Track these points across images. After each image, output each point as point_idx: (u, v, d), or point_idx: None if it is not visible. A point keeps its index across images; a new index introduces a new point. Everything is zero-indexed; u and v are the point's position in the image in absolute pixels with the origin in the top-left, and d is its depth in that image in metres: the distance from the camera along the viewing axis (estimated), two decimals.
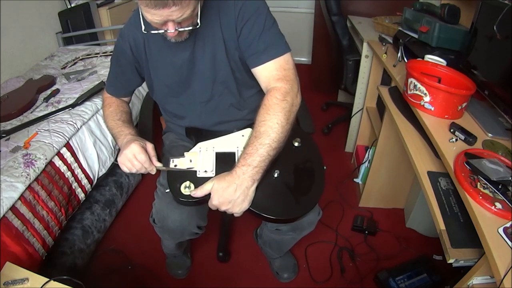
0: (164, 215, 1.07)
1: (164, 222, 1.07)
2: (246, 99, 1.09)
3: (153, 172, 0.96)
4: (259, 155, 0.85)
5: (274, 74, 0.93)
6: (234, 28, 0.94)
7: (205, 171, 0.92)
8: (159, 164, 0.97)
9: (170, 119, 1.20)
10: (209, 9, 0.93)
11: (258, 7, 0.93)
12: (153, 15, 0.79)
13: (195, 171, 0.93)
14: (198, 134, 1.06)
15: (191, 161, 0.95)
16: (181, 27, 0.84)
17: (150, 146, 0.98)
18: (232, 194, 0.84)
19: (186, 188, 0.89)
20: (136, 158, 0.93)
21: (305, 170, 1.00)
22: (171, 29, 0.82)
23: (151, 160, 0.96)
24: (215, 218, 1.70)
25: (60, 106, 1.58)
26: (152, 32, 0.85)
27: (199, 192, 0.87)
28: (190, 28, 0.86)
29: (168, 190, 0.92)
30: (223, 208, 0.87)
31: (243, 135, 1.01)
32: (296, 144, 1.02)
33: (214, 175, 0.91)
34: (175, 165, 0.95)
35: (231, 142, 1.00)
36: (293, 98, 0.91)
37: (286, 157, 0.97)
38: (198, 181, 0.89)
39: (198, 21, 0.86)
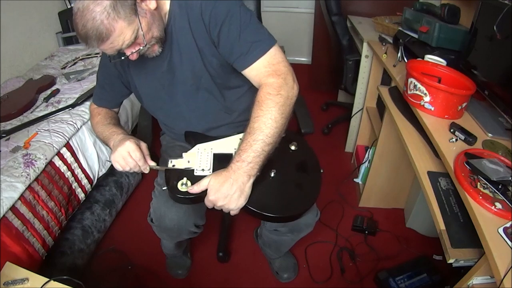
0: (161, 214, 1.07)
1: (162, 221, 1.07)
2: (233, 102, 1.07)
3: (147, 171, 0.95)
4: (253, 151, 0.84)
5: (263, 71, 0.90)
6: (207, 35, 0.91)
7: (202, 170, 0.93)
8: (153, 163, 0.96)
9: (163, 127, 1.21)
10: (178, 16, 0.91)
11: (229, 9, 0.88)
12: (103, 50, 0.81)
13: (193, 170, 0.93)
14: (197, 138, 1.07)
15: (189, 161, 0.95)
16: (140, 47, 0.84)
17: (144, 145, 0.97)
18: (229, 189, 0.84)
19: (183, 185, 0.89)
20: (131, 155, 0.92)
21: (302, 171, 1.01)
22: (127, 54, 0.84)
23: (145, 159, 0.95)
24: (215, 218, 1.70)
25: (60, 106, 1.58)
26: (116, 60, 0.87)
27: (196, 188, 0.87)
28: (143, 47, 0.85)
29: (165, 188, 0.91)
30: (219, 203, 0.86)
31: (240, 139, 1.01)
32: (293, 147, 1.03)
33: (211, 173, 0.91)
34: (173, 165, 0.95)
35: (229, 144, 1.01)
36: (288, 91, 0.88)
37: (283, 159, 0.97)
38: (195, 179, 0.89)
39: (156, 34, 0.86)
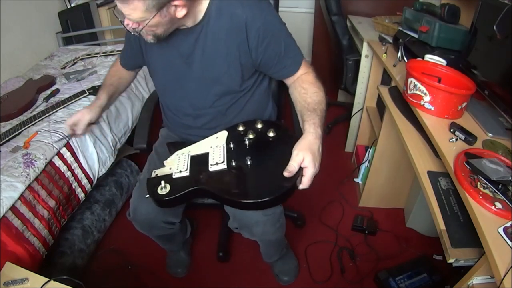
0: (134, 207, 1.12)
1: (134, 214, 1.12)
2: (229, 107, 1.11)
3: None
4: (321, 119, 0.92)
5: (301, 73, 1.04)
6: (245, 44, 0.96)
7: (180, 171, 0.95)
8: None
9: (165, 111, 1.23)
10: (214, 18, 0.94)
11: (277, 27, 0.98)
12: (118, 8, 0.83)
13: (171, 174, 0.94)
14: (176, 146, 1.09)
15: (170, 168, 0.98)
16: (138, 28, 0.86)
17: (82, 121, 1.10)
18: (317, 151, 0.86)
19: (162, 189, 0.90)
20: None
21: (276, 161, 0.91)
22: (125, 23, 0.86)
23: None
24: (215, 218, 1.70)
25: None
26: (123, 25, 0.88)
27: (291, 168, 0.82)
28: (138, 30, 0.86)
29: (147, 196, 0.92)
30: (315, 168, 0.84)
31: (217, 137, 1.04)
32: (271, 134, 0.99)
33: (188, 173, 0.93)
34: (156, 174, 0.97)
35: (204, 144, 1.03)
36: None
37: (260, 147, 0.98)
38: (174, 181, 0.91)
39: (157, 31, 0.88)
